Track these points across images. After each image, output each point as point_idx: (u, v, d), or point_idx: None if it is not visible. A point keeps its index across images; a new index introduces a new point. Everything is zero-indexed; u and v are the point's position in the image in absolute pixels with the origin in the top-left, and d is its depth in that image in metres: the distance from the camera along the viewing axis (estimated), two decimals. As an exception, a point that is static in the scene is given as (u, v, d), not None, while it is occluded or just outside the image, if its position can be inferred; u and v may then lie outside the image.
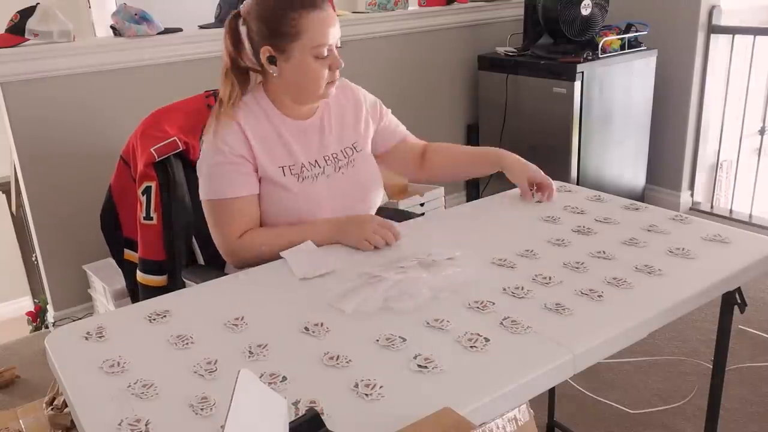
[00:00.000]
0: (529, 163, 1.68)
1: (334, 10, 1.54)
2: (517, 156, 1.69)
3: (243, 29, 1.51)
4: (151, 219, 1.79)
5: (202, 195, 1.55)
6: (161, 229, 1.79)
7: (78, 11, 4.35)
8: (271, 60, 1.50)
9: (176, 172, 1.76)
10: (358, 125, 1.68)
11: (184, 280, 1.68)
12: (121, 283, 2.62)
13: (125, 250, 1.96)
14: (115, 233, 1.96)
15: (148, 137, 1.76)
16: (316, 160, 1.59)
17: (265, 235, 1.54)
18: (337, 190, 1.60)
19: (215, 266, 1.72)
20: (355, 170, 1.64)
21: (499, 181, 3.69)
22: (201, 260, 1.81)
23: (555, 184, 1.72)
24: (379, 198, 1.71)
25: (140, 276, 1.85)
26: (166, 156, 1.74)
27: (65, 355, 1.14)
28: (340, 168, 1.62)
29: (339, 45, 1.53)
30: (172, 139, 1.75)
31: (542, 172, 1.67)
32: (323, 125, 1.62)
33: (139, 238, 1.84)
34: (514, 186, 1.84)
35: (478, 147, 1.71)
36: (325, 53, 1.48)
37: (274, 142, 1.56)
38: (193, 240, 1.81)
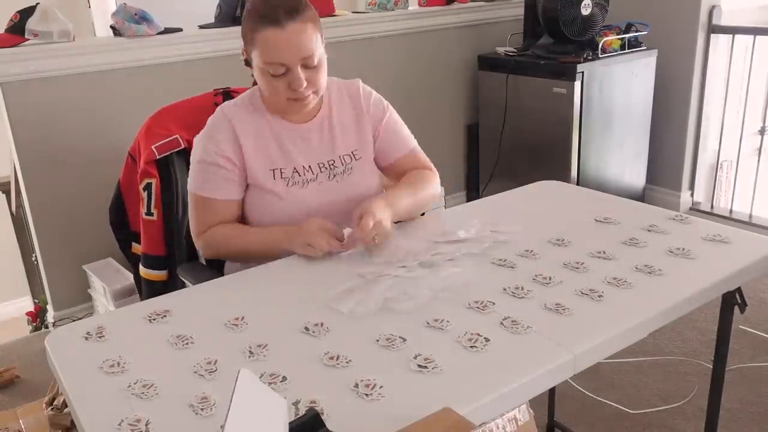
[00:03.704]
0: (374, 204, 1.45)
1: (319, 20, 1.45)
2: (375, 203, 1.46)
3: None
4: (152, 215, 1.81)
5: (188, 185, 1.57)
6: (162, 225, 1.80)
7: (78, 11, 4.34)
8: (247, 63, 1.52)
9: (177, 169, 1.77)
10: (360, 132, 1.62)
11: (180, 277, 1.69)
12: (121, 282, 2.64)
13: (133, 243, 1.98)
14: (123, 227, 1.98)
15: (152, 135, 1.77)
16: (310, 166, 1.55)
17: (225, 234, 1.52)
18: (327, 198, 1.55)
19: (215, 264, 1.72)
20: (350, 179, 1.58)
21: (500, 182, 3.69)
22: (202, 257, 1.81)
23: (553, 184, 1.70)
24: None
25: (142, 270, 1.87)
26: (168, 153, 1.75)
27: (65, 355, 1.14)
28: (335, 176, 1.57)
29: (313, 64, 1.44)
30: (173, 137, 1.76)
31: (370, 208, 1.43)
32: (323, 130, 1.58)
33: (141, 233, 1.85)
34: (514, 186, 1.85)
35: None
36: (280, 71, 1.42)
37: (268, 142, 1.54)
38: None
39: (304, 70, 1.44)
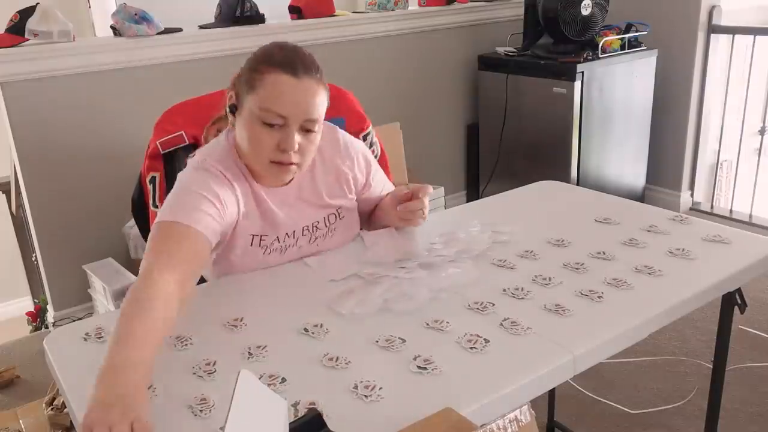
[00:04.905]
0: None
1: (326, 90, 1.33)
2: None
3: None
4: (157, 207, 1.82)
5: (158, 218, 1.26)
6: None
7: (78, 11, 4.34)
8: (232, 109, 1.35)
9: (182, 164, 1.78)
10: (342, 185, 1.49)
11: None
12: (121, 282, 2.64)
13: None
14: (144, 216, 2.00)
15: (160, 130, 1.79)
16: (294, 231, 1.43)
17: (125, 310, 1.06)
18: (306, 258, 1.46)
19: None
20: (331, 241, 1.48)
21: (500, 182, 3.69)
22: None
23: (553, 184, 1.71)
24: None
25: None
26: (173, 149, 1.76)
27: (64, 356, 1.14)
28: (315, 239, 1.46)
29: (314, 129, 1.31)
30: (178, 133, 1.77)
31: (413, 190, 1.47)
32: (301, 190, 1.44)
33: (150, 223, 1.87)
34: (514, 186, 1.84)
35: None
36: (275, 122, 1.27)
37: (251, 207, 1.38)
38: None
39: (300, 133, 1.30)
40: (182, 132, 1.77)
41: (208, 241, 1.26)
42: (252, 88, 1.29)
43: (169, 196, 1.31)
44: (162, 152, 1.75)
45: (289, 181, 1.41)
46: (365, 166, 1.54)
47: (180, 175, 1.36)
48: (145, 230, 2.00)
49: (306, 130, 1.30)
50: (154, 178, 1.80)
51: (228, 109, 1.35)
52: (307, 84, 1.28)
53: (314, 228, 1.46)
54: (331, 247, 1.49)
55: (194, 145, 1.78)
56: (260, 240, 1.39)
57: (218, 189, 1.31)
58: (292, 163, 1.31)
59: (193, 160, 1.38)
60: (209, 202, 1.28)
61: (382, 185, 1.60)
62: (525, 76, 3.34)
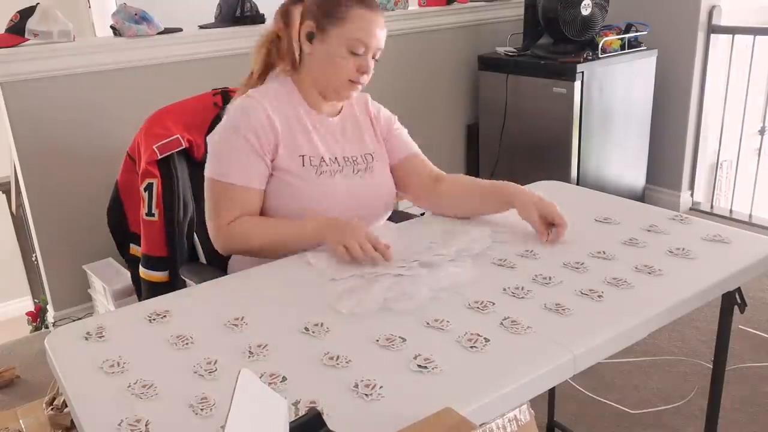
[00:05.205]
0: (542, 198, 1.49)
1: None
2: (529, 191, 1.53)
3: (298, 9, 1.54)
4: (153, 216, 1.79)
5: (208, 171, 1.52)
6: (163, 226, 1.80)
7: (78, 11, 4.35)
8: (310, 36, 1.53)
9: (179, 169, 1.77)
10: (374, 138, 1.67)
11: (183, 278, 1.68)
12: (121, 282, 2.64)
13: (131, 245, 1.97)
14: (121, 228, 1.97)
15: (152, 135, 1.77)
16: (336, 157, 1.58)
17: (254, 225, 1.50)
18: (353, 191, 1.57)
19: (216, 264, 1.72)
20: (372, 176, 1.62)
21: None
22: (202, 257, 1.81)
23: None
24: (389, 212, 1.69)
25: (142, 271, 1.86)
26: (169, 153, 1.74)
27: (65, 355, 1.14)
28: (358, 171, 1.60)
29: (377, 57, 1.54)
30: (174, 137, 1.75)
31: (555, 207, 1.48)
32: (345, 127, 1.63)
33: (141, 233, 1.85)
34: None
35: (491, 182, 1.61)
36: (360, 51, 1.49)
37: (297, 129, 1.55)
38: (195, 237, 1.81)
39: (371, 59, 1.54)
40: (178, 136, 1.76)
41: (255, 188, 1.51)
42: (340, 20, 1.49)
43: (216, 144, 1.52)
44: (159, 157, 1.73)
45: (337, 115, 1.62)
46: (391, 121, 1.71)
47: (224, 125, 1.53)
48: (122, 245, 1.97)
49: (374, 58, 1.54)
50: (150, 185, 1.78)
51: (307, 37, 1.53)
52: (381, 18, 1.53)
53: (354, 161, 1.61)
54: (374, 188, 1.61)
55: (188, 150, 1.78)
56: (309, 160, 1.55)
57: (258, 129, 1.49)
58: (361, 84, 1.55)
59: (240, 98, 1.56)
60: (250, 153, 1.49)
61: (401, 143, 1.71)
62: (525, 76, 3.35)
